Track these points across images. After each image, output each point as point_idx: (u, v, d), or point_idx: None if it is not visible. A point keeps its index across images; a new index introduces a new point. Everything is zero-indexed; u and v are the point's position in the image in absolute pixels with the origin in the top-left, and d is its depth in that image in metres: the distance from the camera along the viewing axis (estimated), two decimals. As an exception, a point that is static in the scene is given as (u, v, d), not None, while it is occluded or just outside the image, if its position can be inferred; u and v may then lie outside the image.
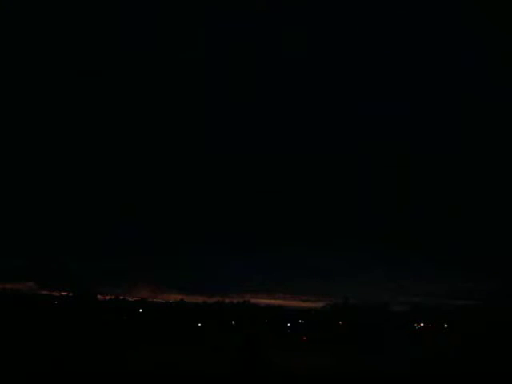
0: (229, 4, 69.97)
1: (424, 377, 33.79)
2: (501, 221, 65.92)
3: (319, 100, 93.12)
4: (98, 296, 79.01)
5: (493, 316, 65.90)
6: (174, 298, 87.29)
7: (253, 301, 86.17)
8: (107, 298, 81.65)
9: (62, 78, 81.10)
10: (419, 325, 76.92)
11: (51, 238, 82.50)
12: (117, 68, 79.45)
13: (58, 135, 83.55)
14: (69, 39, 76.25)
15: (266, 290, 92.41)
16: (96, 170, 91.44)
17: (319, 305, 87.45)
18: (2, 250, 67.08)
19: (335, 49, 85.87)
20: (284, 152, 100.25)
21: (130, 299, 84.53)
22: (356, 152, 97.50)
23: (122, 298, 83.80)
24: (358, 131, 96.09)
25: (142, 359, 31.70)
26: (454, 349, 50.69)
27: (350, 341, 56.32)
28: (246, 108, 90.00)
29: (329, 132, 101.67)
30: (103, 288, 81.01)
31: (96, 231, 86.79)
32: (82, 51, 77.39)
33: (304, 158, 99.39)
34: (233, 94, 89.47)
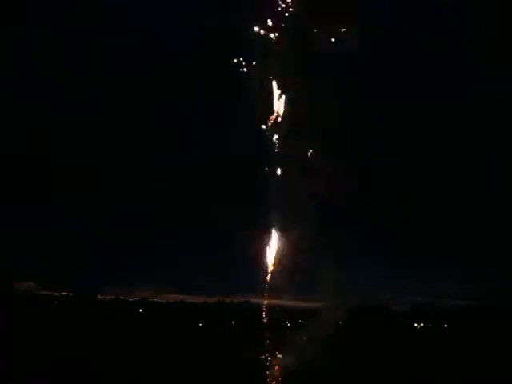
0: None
1: (424, 377, 33.89)
2: (501, 220, 65.99)
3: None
4: (98, 296, 79.05)
5: (493, 316, 65.87)
6: (173, 298, 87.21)
7: (253, 301, 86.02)
8: (107, 297, 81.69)
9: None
10: (419, 325, 76.89)
11: (51, 238, 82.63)
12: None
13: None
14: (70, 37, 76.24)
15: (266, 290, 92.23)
16: (96, 170, 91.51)
17: (319, 305, 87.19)
18: (2, 249, 67.18)
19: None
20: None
21: (130, 299, 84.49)
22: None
23: (122, 297, 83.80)
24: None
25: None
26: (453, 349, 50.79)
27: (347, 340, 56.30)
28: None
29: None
30: (103, 288, 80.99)
31: (96, 231, 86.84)
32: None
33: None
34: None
